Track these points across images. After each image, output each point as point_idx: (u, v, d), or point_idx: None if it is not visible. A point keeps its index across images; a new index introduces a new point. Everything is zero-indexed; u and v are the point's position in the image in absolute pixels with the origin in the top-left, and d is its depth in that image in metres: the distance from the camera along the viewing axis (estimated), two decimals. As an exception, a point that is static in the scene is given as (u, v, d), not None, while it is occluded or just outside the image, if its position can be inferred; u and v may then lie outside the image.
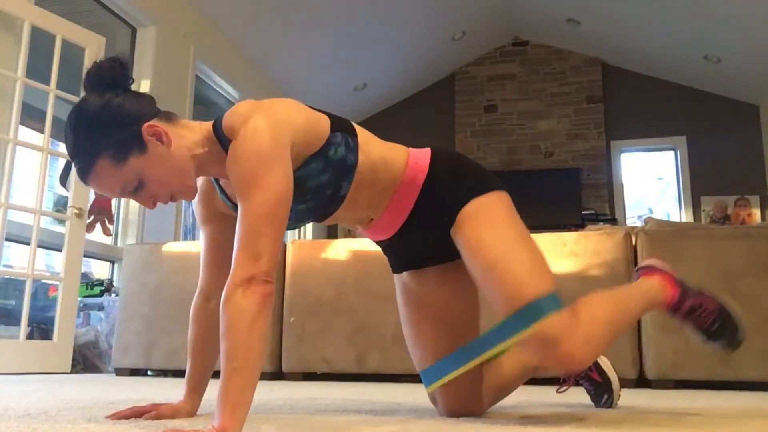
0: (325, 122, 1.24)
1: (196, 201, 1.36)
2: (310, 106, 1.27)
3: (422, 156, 1.35)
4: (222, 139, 1.18)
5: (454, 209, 1.29)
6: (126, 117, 1.13)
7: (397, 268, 1.48)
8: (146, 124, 1.13)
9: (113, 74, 1.15)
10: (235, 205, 1.31)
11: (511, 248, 1.24)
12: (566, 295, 3.09)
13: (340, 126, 1.26)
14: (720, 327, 1.41)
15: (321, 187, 1.24)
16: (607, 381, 1.59)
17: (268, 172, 1.07)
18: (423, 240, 1.37)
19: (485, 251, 1.24)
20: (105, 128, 1.12)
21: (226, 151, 1.17)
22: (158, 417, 1.26)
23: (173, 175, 1.16)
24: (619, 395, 1.62)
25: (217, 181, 1.32)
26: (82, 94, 1.17)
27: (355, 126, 1.31)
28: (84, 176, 1.14)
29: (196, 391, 1.36)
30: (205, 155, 1.20)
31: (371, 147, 1.30)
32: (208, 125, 1.22)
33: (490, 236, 1.25)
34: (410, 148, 1.39)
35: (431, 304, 1.41)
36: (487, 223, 1.26)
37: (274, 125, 1.12)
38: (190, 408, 1.34)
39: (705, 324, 1.41)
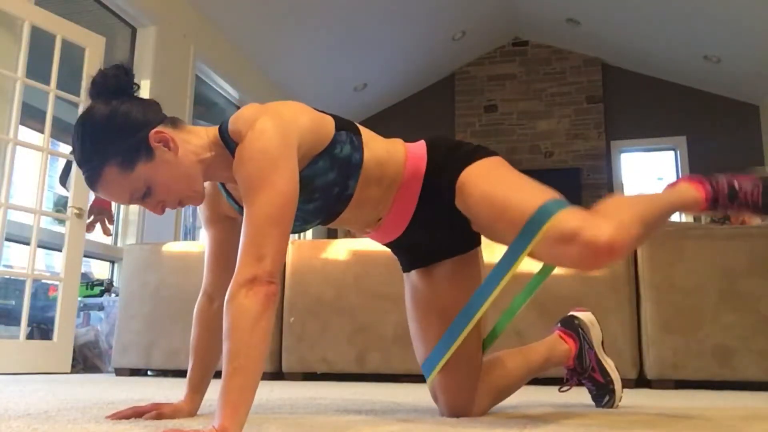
0: (329, 122, 1.26)
1: (201, 204, 1.37)
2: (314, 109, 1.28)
3: (418, 146, 1.37)
4: (229, 143, 1.19)
5: (452, 182, 1.31)
6: (133, 124, 1.14)
7: (407, 266, 1.49)
8: (153, 131, 1.14)
9: (118, 82, 1.16)
10: (242, 208, 1.31)
11: (508, 183, 1.27)
12: (566, 294, 3.09)
13: (344, 125, 1.28)
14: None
15: (328, 186, 1.25)
16: (609, 382, 1.59)
17: (274, 173, 1.08)
18: (432, 234, 1.38)
19: (486, 197, 1.25)
20: (112, 136, 1.12)
21: (233, 154, 1.18)
22: (159, 417, 1.26)
23: (181, 180, 1.17)
24: (621, 397, 1.62)
25: (222, 184, 1.33)
26: (88, 101, 1.17)
27: (358, 125, 1.32)
28: (92, 184, 1.14)
29: (197, 391, 1.36)
30: (212, 160, 1.21)
31: (374, 144, 1.32)
32: (214, 130, 1.23)
33: (487, 184, 1.27)
34: (407, 143, 1.40)
35: (439, 302, 1.41)
36: (483, 177, 1.29)
37: (281, 127, 1.13)
38: (190, 408, 1.34)
39: (758, 201, 1.37)
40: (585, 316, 1.64)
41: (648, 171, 7.68)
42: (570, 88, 7.65)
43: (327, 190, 1.25)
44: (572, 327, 1.61)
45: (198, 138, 1.21)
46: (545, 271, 1.32)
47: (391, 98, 8.06)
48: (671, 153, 7.42)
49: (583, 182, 7.29)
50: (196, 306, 1.39)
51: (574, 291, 2.86)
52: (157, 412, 1.27)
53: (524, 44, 7.90)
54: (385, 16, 6.36)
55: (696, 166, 7.18)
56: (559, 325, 1.64)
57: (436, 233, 1.39)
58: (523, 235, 1.17)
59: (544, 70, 7.78)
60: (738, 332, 2.68)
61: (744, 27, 5.84)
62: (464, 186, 1.29)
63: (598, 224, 1.11)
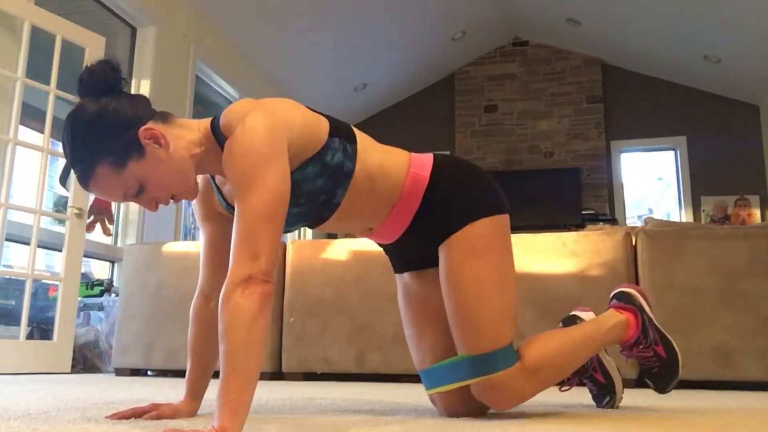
0: (324, 126, 1.24)
1: (195, 200, 1.36)
2: (310, 108, 1.27)
3: (424, 164, 1.35)
4: (219, 137, 1.18)
5: (447, 229, 1.31)
6: (123, 122, 1.12)
7: (399, 268, 1.49)
8: (143, 128, 1.13)
9: (106, 78, 1.14)
10: (230, 205, 1.30)
11: (486, 293, 1.29)
12: (566, 294, 3.08)
13: (339, 131, 1.26)
14: (658, 372, 1.53)
15: (315, 192, 1.24)
16: (610, 382, 1.59)
17: (266, 171, 1.07)
18: (424, 243, 1.38)
19: (462, 289, 1.29)
20: (103, 135, 1.11)
21: (223, 148, 1.17)
22: (158, 417, 1.25)
23: (173, 176, 1.16)
24: (622, 397, 1.61)
25: (214, 179, 1.32)
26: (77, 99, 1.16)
27: (356, 132, 1.30)
28: (85, 183, 1.14)
29: (196, 392, 1.36)
30: (204, 154, 1.20)
31: (370, 155, 1.29)
32: (205, 123, 1.21)
33: (470, 273, 1.29)
34: (413, 154, 1.38)
35: (433, 305, 1.41)
36: (473, 258, 1.30)
37: (272, 124, 1.12)
38: (190, 408, 1.34)
39: (648, 365, 1.51)
40: (586, 316, 1.63)
41: (648, 171, 7.68)
42: (570, 88, 7.65)
43: (314, 197, 1.24)
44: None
45: (189, 132, 1.19)
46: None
47: (391, 98, 8.06)
48: (671, 153, 7.42)
49: (583, 182, 7.29)
50: (192, 305, 1.38)
51: (573, 291, 2.86)
52: (157, 412, 1.26)
53: (524, 44, 7.90)
54: (385, 16, 6.36)
55: (696, 166, 7.18)
56: (560, 324, 1.64)
57: (427, 245, 1.37)
58: (466, 366, 1.29)
59: (544, 70, 7.78)
60: (738, 332, 2.68)
61: (744, 27, 5.83)
62: (454, 247, 1.30)
63: (524, 391, 1.29)
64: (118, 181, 1.13)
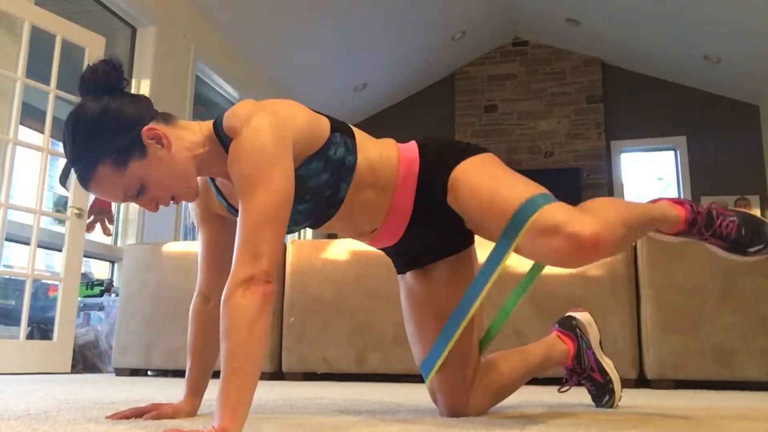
0: (324, 123, 1.25)
1: (193, 202, 1.36)
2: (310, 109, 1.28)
3: (410, 147, 1.36)
4: (223, 138, 1.18)
5: (443, 181, 1.30)
6: (125, 121, 1.12)
7: (401, 268, 1.49)
8: (145, 128, 1.13)
9: (108, 78, 1.14)
10: (231, 207, 1.31)
11: (497, 178, 1.26)
12: (566, 295, 3.08)
13: (339, 127, 1.27)
14: (748, 231, 1.34)
15: (320, 187, 1.24)
16: (608, 382, 1.59)
17: (270, 172, 1.07)
18: (427, 237, 1.38)
19: (475, 192, 1.25)
20: (104, 134, 1.11)
21: (227, 150, 1.17)
22: (158, 417, 1.26)
23: (175, 177, 1.16)
24: (620, 396, 1.62)
25: (213, 182, 1.32)
26: (79, 98, 1.16)
27: (353, 128, 1.32)
28: (85, 183, 1.13)
29: (196, 392, 1.36)
30: (206, 155, 1.20)
31: (368, 147, 1.31)
32: (208, 125, 1.22)
33: (477, 180, 1.27)
34: (398, 143, 1.40)
35: (435, 302, 1.41)
36: (472, 173, 1.28)
37: (276, 125, 1.12)
38: (190, 408, 1.34)
39: (731, 234, 1.34)
40: (582, 316, 1.64)
41: (648, 171, 7.68)
42: (570, 88, 7.65)
43: (319, 192, 1.25)
44: (570, 327, 1.61)
45: (191, 133, 1.19)
46: (535, 269, 1.32)
47: (391, 98, 8.06)
48: (671, 153, 7.42)
49: (583, 182, 7.29)
50: (191, 306, 1.38)
51: (573, 291, 2.86)
52: (157, 412, 1.27)
53: (524, 44, 7.90)
54: (385, 16, 6.36)
55: (696, 166, 7.18)
56: (556, 325, 1.64)
57: (431, 237, 1.38)
58: (509, 229, 1.17)
59: (544, 70, 7.78)
60: (738, 332, 2.68)
61: (744, 27, 5.83)
62: (456, 183, 1.28)
63: (584, 219, 1.11)
64: (119, 181, 1.12)
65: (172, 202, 1.19)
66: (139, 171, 1.13)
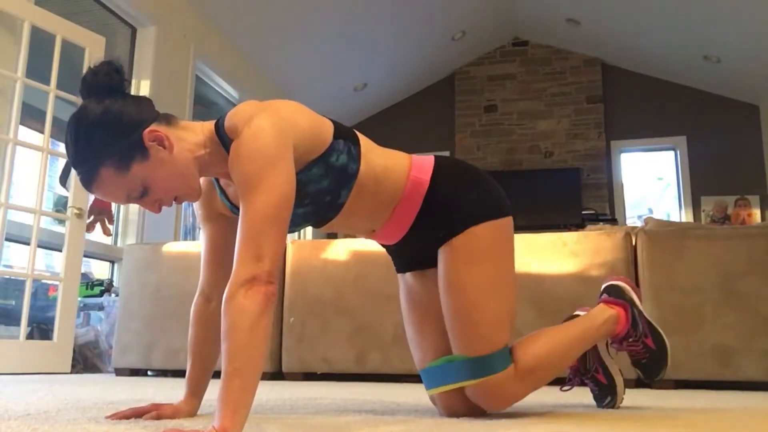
0: (328, 128, 1.24)
1: (197, 201, 1.36)
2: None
3: (425, 166, 1.35)
4: (224, 139, 1.18)
5: (448, 232, 1.31)
6: (127, 124, 1.12)
7: (401, 268, 1.49)
8: (147, 130, 1.13)
9: (110, 80, 1.14)
10: (234, 206, 1.31)
11: (482, 298, 1.30)
12: (566, 294, 3.08)
13: (343, 133, 1.26)
14: (647, 363, 1.53)
15: (320, 193, 1.24)
16: (612, 383, 1.58)
17: (272, 173, 1.07)
18: (426, 244, 1.38)
19: (459, 292, 1.30)
20: (107, 137, 1.11)
21: (228, 151, 1.17)
22: (159, 417, 1.26)
23: (177, 178, 1.16)
24: (623, 398, 1.61)
25: (217, 181, 1.32)
26: (80, 100, 1.16)
27: (358, 134, 1.31)
28: (88, 185, 1.13)
29: (196, 392, 1.36)
30: (207, 156, 1.20)
31: (373, 156, 1.30)
32: (209, 125, 1.22)
33: (468, 278, 1.30)
34: (413, 156, 1.38)
35: (435, 306, 1.41)
36: (471, 263, 1.30)
37: (278, 126, 1.12)
38: (190, 408, 1.34)
39: (638, 356, 1.53)
40: None
41: (648, 171, 7.68)
42: (570, 88, 7.65)
43: (319, 197, 1.25)
44: None
45: (193, 134, 1.19)
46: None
47: (391, 98, 8.06)
48: (671, 153, 7.42)
49: (583, 182, 7.29)
50: (192, 306, 1.38)
51: (573, 291, 2.86)
52: (157, 412, 1.26)
53: (524, 44, 7.90)
54: (385, 16, 6.36)
55: (696, 166, 7.18)
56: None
57: (430, 244, 1.38)
58: (464, 367, 1.30)
59: (544, 70, 7.78)
60: (738, 332, 2.68)
61: (744, 27, 5.83)
62: (454, 250, 1.31)
63: (512, 390, 1.31)
64: (122, 183, 1.13)
65: (174, 202, 1.20)
66: (142, 173, 1.13)
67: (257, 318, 1.00)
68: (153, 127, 1.14)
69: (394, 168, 1.32)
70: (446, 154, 7.71)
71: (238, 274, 1.02)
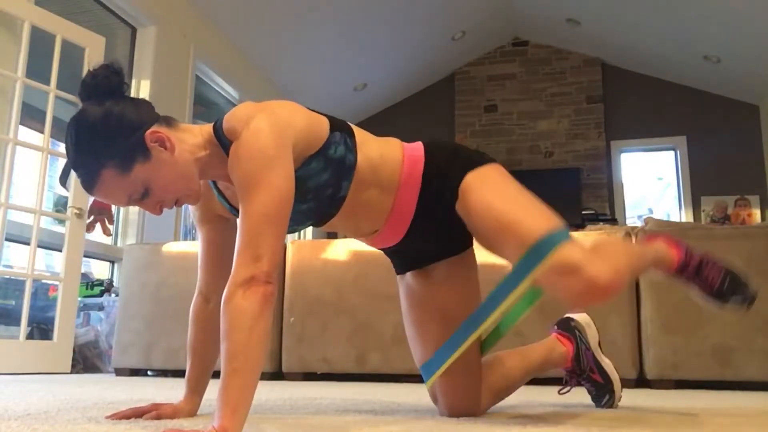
0: (324, 123, 1.25)
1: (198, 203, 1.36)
2: (309, 109, 1.28)
3: (415, 146, 1.37)
4: (223, 140, 1.18)
5: (454, 185, 1.30)
6: (128, 125, 1.12)
7: (401, 269, 1.48)
8: (149, 131, 1.13)
9: (109, 82, 1.14)
10: (234, 208, 1.31)
11: (514, 200, 1.27)
12: (566, 295, 3.04)
13: (338, 126, 1.27)
14: (731, 284, 1.43)
15: (321, 187, 1.24)
16: (608, 382, 1.59)
17: (270, 173, 1.08)
18: (428, 238, 1.38)
19: (491, 209, 1.25)
20: (108, 139, 1.11)
21: (227, 153, 1.17)
22: (158, 417, 1.26)
23: (178, 180, 1.16)
24: (620, 396, 1.62)
25: (214, 183, 1.32)
26: (80, 101, 1.16)
27: (352, 126, 1.32)
28: (89, 188, 1.13)
29: (196, 392, 1.36)
30: (207, 158, 1.20)
31: (368, 146, 1.31)
32: (208, 128, 1.22)
33: (492, 196, 1.27)
34: (402, 142, 1.40)
35: (436, 303, 1.41)
36: (488, 186, 1.29)
37: (276, 126, 1.13)
38: (190, 408, 1.34)
39: (715, 284, 1.42)
40: (581, 317, 1.64)
41: (648, 171, 7.68)
42: (570, 88, 7.65)
43: (320, 192, 1.25)
44: (568, 329, 1.62)
45: (192, 136, 1.20)
46: (534, 295, 1.30)
47: (391, 98, 8.06)
48: (671, 153, 7.42)
49: (583, 182, 7.29)
50: (191, 306, 1.39)
51: (574, 291, 2.86)
52: (157, 412, 1.27)
53: (524, 44, 7.90)
54: (385, 16, 6.36)
55: (696, 166, 7.18)
56: (555, 327, 1.65)
57: (432, 237, 1.38)
58: (526, 260, 1.17)
59: (544, 70, 7.78)
60: (738, 332, 2.68)
61: (744, 27, 5.84)
62: (468, 191, 1.28)
63: (600, 265, 1.14)
64: (123, 185, 1.13)
65: (175, 205, 1.20)
66: (143, 174, 1.13)
67: (256, 318, 1.00)
68: (154, 128, 1.14)
69: (390, 153, 1.33)
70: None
71: (236, 275, 1.03)
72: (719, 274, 1.42)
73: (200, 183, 1.34)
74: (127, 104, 1.15)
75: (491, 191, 1.27)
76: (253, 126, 1.12)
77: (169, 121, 1.19)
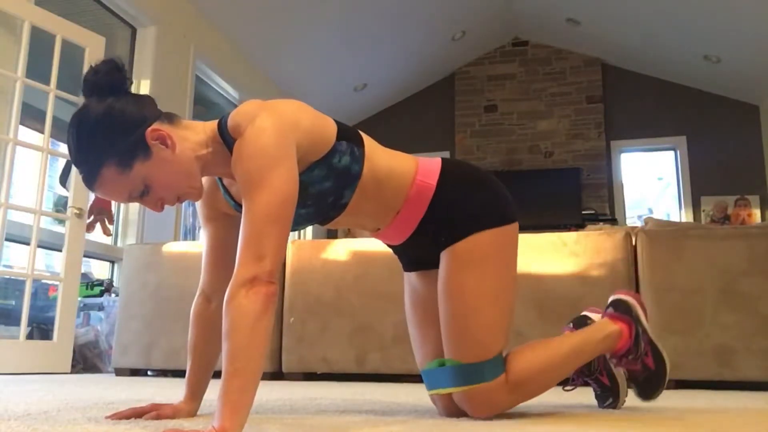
0: (331, 128, 1.24)
1: (199, 201, 1.36)
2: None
3: (431, 170, 1.34)
4: (227, 138, 1.17)
5: (451, 237, 1.31)
6: (129, 122, 1.12)
7: (407, 267, 1.49)
8: (150, 129, 1.13)
9: (111, 78, 1.14)
10: (239, 205, 1.30)
11: (479, 305, 1.28)
12: (566, 294, 3.07)
13: (347, 134, 1.26)
14: (643, 382, 1.50)
15: (323, 194, 1.24)
16: (615, 385, 1.57)
17: (274, 172, 1.07)
18: (430, 247, 1.37)
19: (457, 297, 1.29)
20: (109, 135, 1.11)
21: (230, 150, 1.17)
22: (158, 417, 1.26)
23: (179, 177, 1.16)
24: (624, 400, 1.60)
25: (220, 180, 1.32)
26: (82, 99, 1.16)
27: (363, 135, 1.30)
28: (90, 184, 1.13)
29: (196, 392, 1.36)
30: (210, 155, 1.19)
31: (377, 158, 1.29)
32: (212, 125, 1.21)
33: (467, 284, 1.29)
34: (420, 159, 1.37)
35: (437, 306, 1.40)
36: (472, 269, 1.29)
37: (280, 125, 1.12)
38: (190, 408, 1.34)
39: (635, 374, 1.50)
40: (597, 317, 1.61)
41: (648, 171, 7.68)
42: (570, 88, 7.65)
43: (321, 198, 1.25)
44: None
45: (195, 133, 1.19)
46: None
47: (391, 98, 8.06)
48: (671, 153, 7.42)
49: (583, 182, 7.29)
50: (193, 306, 1.38)
51: (573, 291, 2.86)
52: (157, 412, 1.26)
53: (524, 44, 7.90)
54: (385, 16, 6.36)
55: (696, 166, 7.18)
56: (571, 325, 1.61)
57: (433, 248, 1.37)
58: (453, 373, 1.28)
59: (544, 70, 7.78)
60: (738, 332, 2.68)
61: (744, 27, 5.84)
62: (456, 256, 1.30)
63: (501, 402, 1.28)
64: (124, 182, 1.12)
65: (177, 202, 1.19)
66: (144, 172, 1.13)
67: (258, 318, 1.00)
68: (156, 125, 1.14)
69: (399, 171, 1.32)
70: (446, 154, 7.72)
71: (239, 275, 1.02)
72: (643, 372, 1.49)
73: (205, 180, 1.35)
74: (129, 101, 1.14)
75: (471, 275, 1.29)
76: (257, 124, 1.11)
77: (171, 118, 1.18)
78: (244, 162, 1.09)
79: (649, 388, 1.50)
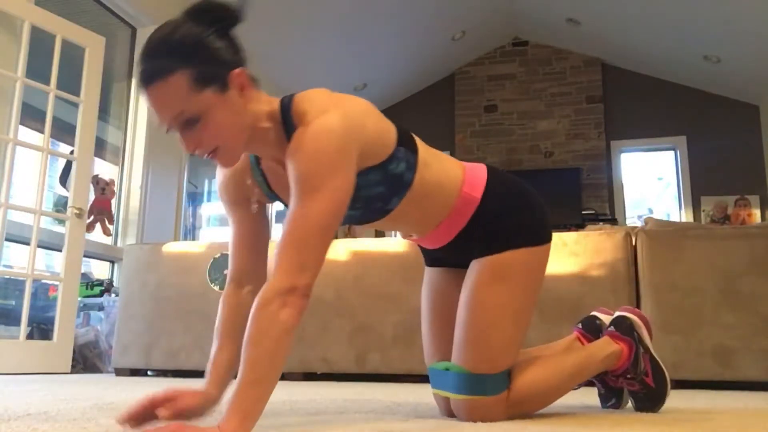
0: (392, 134, 1.21)
1: (223, 183, 1.30)
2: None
3: (477, 181, 1.33)
4: (288, 120, 1.12)
5: (487, 250, 1.30)
6: (224, 54, 1.08)
7: (430, 263, 1.49)
8: (239, 70, 1.08)
9: (221, 15, 1.09)
10: (272, 193, 1.27)
11: (501, 321, 1.28)
12: (566, 294, 3.07)
13: (405, 140, 1.23)
14: (642, 398, 1.49)
15: (372, 198, 1.22)
16: (620, 388, 1.57)
17: (333, 181, 1.03)
18: (462, 254, 1.37)
19: (480, 309, 1.28)
20: (202, 51, 1.05)
21: (287, 133, 1.12)
22: (175, 413, 1.08)
23: (233, 129, 1.09)
24: (627, 401, 1.60)
25: (257, 163, 1.26)
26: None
27: (417, 142, 1.28)
28: (149, 80, 1.04)
29: (221, 378, 1.20)
30: (264, 131, 1.14)
31: (429, 169, 1.27)
32: (276, 102, 1.16)
33: (495, 297, 1.28)
34: (466, 166, 1.36)
35: (454, 304, 1.39)
36: (501, 283, 1.29)
37: (348, 129, 1.08)
38: (216, 394, 1.19)
39: (634, 389, 1.49)
40: (606, 318, 1.60)
41: (648, 171, 7.67)
42: (570, 88, 7.64)
43: (370, 203, 1.22)
44: (593, 328, 1.58)
45: (261, 104, 1.14)
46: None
47: (391, 98, 8.06)
48: (671, 153, 7.42)
49: (583, 182, 7.29)
50: (222, 295, 1.29)
51: (573, 291, 2.86)
52: (173, 405, 1.08)
53: (524, 44, 7.90)
54: (385, 16, 6.36)
55: (696, 166, 7.17)
56: (580, 326, 1.60)
57: (466, 255, 1.36)
58: (458, 380, 1.28)
59: (544, 70, 7.78)
60: (738, 332, 2.68)
61: (744, 27, 5.83)
62: (486, 269, 1.29)
63: (498, 416, 1.27)
64: (184, 99, 1.04)
65: (209, 156, 1.11)
66: (209, 102, 1.05)
67: (287, 331, 0.98)
68: (245, 71, 1.09)
69: (448, 183, 1.30)
70: (446, 154, 7.70)
71: (278, 281, 0.99)
72: (643, 389, 1.48)
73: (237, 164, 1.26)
74: (225, 41, 1.10)
75: (497, 293, 1.28)
76: (324, 122, 1.06)
77: (254, 79, 1.13)
78: (303, 158, 1.04)
79: (647, 405, 1.50)
